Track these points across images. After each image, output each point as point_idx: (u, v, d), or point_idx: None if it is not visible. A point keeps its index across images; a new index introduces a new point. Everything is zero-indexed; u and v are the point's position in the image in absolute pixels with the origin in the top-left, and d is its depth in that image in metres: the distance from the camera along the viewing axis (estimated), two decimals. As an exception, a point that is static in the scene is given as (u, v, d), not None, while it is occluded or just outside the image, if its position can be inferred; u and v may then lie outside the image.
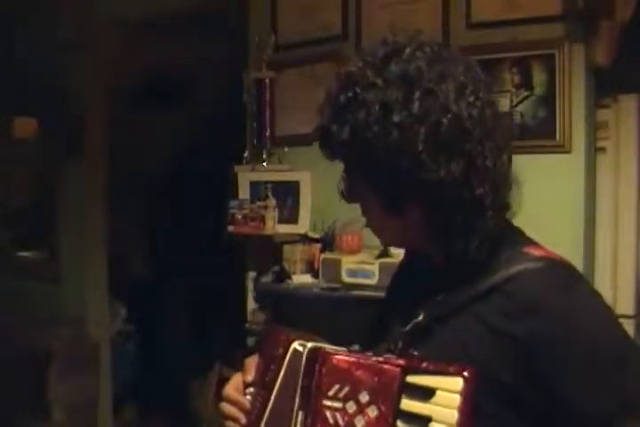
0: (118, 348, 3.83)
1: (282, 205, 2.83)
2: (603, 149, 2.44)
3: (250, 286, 2.98)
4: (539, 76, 2.33)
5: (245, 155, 2.96)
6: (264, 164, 2.90)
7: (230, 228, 2.85)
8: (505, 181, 1.05)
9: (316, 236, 2.74)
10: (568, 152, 2.30)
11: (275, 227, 2.79)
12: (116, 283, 3.74)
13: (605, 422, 0.95)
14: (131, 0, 3.37)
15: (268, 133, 2.89)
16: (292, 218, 2.84)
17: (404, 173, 0.99)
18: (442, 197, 1.00)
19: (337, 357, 1.02)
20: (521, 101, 2.36)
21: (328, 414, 1.00)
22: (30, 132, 3.89)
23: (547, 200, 2.33)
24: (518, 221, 1.12)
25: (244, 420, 1.15)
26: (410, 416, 0.95)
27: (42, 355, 3.42)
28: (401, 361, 0.98)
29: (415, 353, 1.02)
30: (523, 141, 2.35)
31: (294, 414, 1.04)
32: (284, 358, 1.08)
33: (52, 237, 3.78)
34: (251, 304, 2.97)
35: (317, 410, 1.01)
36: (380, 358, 1.00)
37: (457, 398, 0.92)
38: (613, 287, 2.42)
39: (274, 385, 1.10)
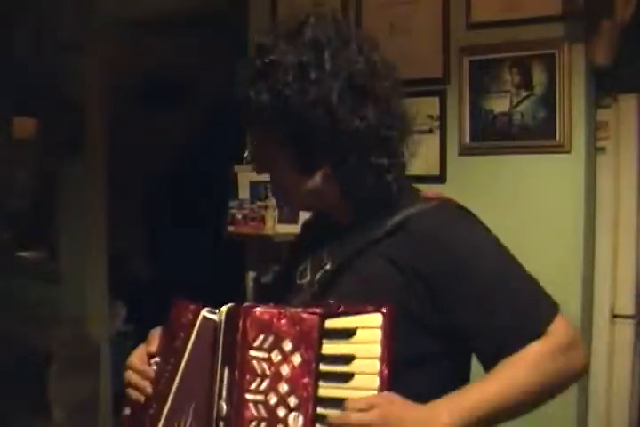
0: (118, 348, 3.83)
1: (282, 205, 2.83)
2: (603, 149, 2.43)
3: (250, 285, 2.98)
4: (539, 76, 2.33)
5: (245, 155, 2.96)
6: (264, 164, 2.90)
7: (230, 228, 2.85)
8: (409, 126, 1.16)
9: (316, 236, 2.74)
10: (568, 152, 2.30)
11: (275, 227, 2.79)
12: (115, 283, 3.74)
13: (497, 341, 1.06)
14: (131, 0, 3.37)
15: (268, 133, 2.89)
16: (292, 218, 2.84)
17: (322, 127, 1.08)
18: (357, 143, 1.09)
19: (259, 309, 1.06)
20: (521, 101, 2.36)
21: (255, 364, 1.03)
22: (30, 132, 3.90)
23: (547, 200, 2.33)
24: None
25: (149, 388, 1.16)
26: (333, 359, 1.01)
27: (42, 355, 3.43)
28: (318, 309, 1.04)
29: (331, 301, 1.08)
30: (523, 141, 2.36)
31: (217, 372, 1.06)
32: (194, 324, 1.13)
33: (52, 237, 3.78)
34: (251, 304, 2.97)
35: (244, 362, 1.04)
36: (299, 309, 1.05)
37: (378, 333, 0.98)
38: (613, 287, 2.42)
39: (184, 351, 1.13)
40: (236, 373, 1.04)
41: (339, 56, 1.09)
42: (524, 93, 2.35)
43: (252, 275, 2.97)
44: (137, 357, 1.21)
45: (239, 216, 2.82)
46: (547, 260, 2.16)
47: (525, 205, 2.35)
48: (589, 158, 2.35)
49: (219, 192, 3.06)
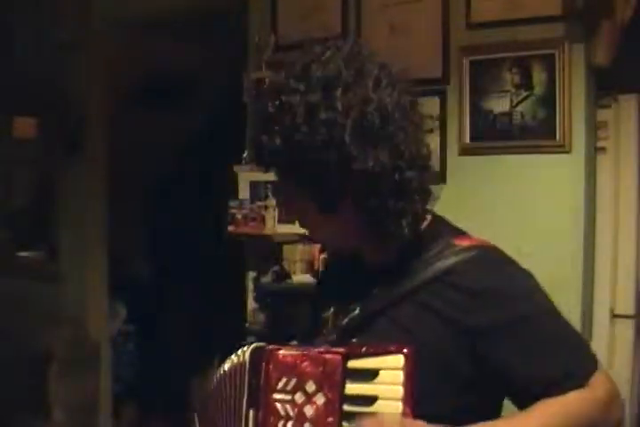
0: (118, 348, 3.83)
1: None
2: (603, 149, 2.44)
3: (250, 286, 2.98)
4: (539, 76, 2.33)
5: (245, 155, 2.96)
6: (264, 164, 2.89)
7: (230, 228, 2.85)
8: (428, 166, 1.14)
9: (316, 236, 2.73)
10: (568, 152, 2.30)
11: (275, 227, 2.79)
12: (115, 283, 3.74)
13: (543, 389, 1.03)
14: (131, 0, 3.37)
15: (267, 133, 2.89)
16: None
17: (336, 168, 1.05)
18: (372, 185, 1.06)
19: (281, 352, 1.07)
20: (521, 101, 2.36)
21: (279, 406, 1.05)
22: (30, 132, 3.89)
23: (547, 200, 2.33)
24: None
25: None
26: (356, 399, 1.00)
27: (42, 355, 3.42)
28: (341, 349, 1.04)
29: (354, 340, 1.08)
30: (523, 141, 2.36)
31: (243, 413, 1.09)
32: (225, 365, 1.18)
33: (51, 237, 3.78)
34: (251, 304, 2.97)
35: (268, 404, 1.06)
36: (322, 349, 1.06)
37: (400, 375, 0.97)
38: (613, 287, 2.42)
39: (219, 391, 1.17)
40: (260, 415, 1.06)
41: (350, 93, 1.05)
42: (524, 93, 2.35)
43: (251, 275, 2.97)
44: None
45: (239, 216, 2.82)
46: (547, 260, 2.16)
47: (525, 205, 2.35)
48: (589, 158, 2.35)
49: (219, 192, 3.06)
